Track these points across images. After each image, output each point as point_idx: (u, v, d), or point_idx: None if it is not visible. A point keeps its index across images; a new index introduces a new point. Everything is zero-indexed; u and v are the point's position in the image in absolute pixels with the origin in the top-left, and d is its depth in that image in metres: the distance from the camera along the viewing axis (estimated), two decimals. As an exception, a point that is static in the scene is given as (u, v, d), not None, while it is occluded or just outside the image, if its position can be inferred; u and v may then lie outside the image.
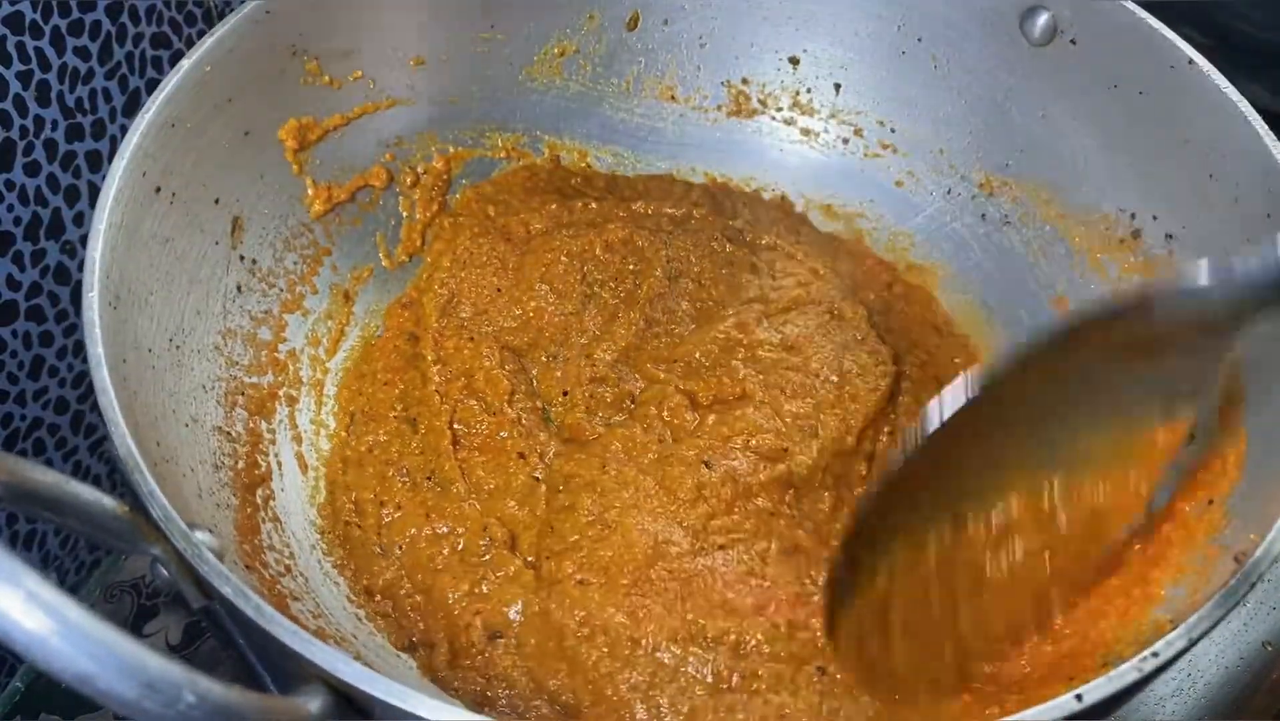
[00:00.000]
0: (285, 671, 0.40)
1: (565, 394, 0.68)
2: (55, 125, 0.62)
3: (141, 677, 0.29)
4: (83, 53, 0.63)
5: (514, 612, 0.59)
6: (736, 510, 0.63)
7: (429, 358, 0.69)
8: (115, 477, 0.74)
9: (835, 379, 0.68)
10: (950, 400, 0.46)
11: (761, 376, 0.68)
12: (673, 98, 0.81)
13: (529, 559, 0.61)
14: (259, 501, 0.59)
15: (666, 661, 0.57)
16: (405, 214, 0.74)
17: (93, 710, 0.66)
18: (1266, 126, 0.58)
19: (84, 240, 0.53)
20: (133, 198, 0.53)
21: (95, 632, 0.29)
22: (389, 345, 0.71)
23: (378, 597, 0.60)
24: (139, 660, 0.29)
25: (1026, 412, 0.48)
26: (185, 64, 0.57)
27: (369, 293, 0.73)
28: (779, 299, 0.73)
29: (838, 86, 0.80)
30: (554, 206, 0.76)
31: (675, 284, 0.74)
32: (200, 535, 0.42)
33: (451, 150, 0.76)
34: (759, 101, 0.81)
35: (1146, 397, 0.49)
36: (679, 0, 0.78)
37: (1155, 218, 0.66)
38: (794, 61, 0.80)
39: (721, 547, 0.61)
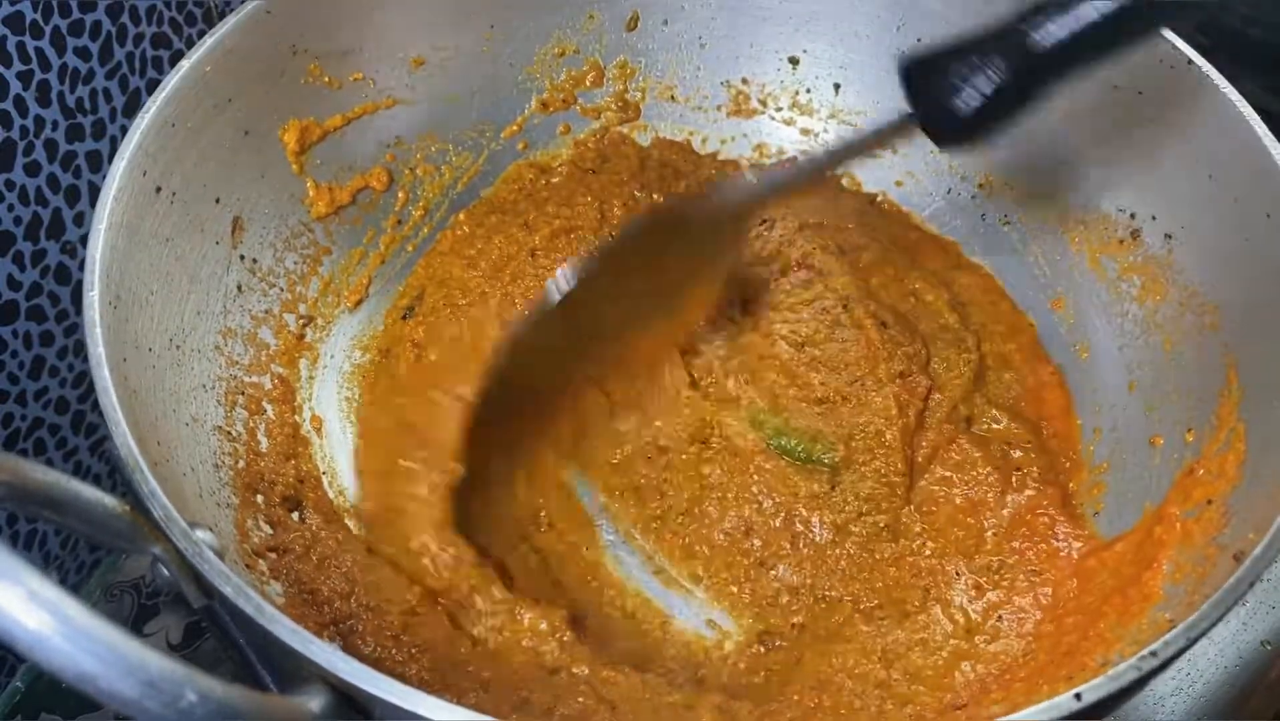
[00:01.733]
0: (286, 670, 0.40)
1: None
2: (55, 125, 0.62)
3: (143, 676, 0.29)
4: (83, 53, 0.63)
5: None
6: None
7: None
8: (115, 477, 0.74)
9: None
10: (555, 288, 0.58)
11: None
12: (673, 98, 0.81)
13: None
14: (259, 501, 0.59)
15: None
16: (403, 213, 0.74)
17: (93, 710, 0.66)
18: (1266, 127, 0.58)
19: (84, 240, 0.53)
20: (133, 197, 0.53)
21: (96, 631, 0.29)
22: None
23: None
24: (140, 659, 0.29)
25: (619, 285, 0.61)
26: (185, 64, 0.57)
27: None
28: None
29: (837, 87, 0.80)
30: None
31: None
32: (201, 534, 0.42)
33: (451, 152, 0.76)
34: (759, 101, 0.81)
35: (698, 263, 0.65)
36: (678, 0, 0.78)
37: (1155, 218, 0.66)
38: (794, 61, 0.80)
39: None
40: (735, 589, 0.63)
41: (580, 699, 0.55)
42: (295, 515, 0.60)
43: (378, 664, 0.54)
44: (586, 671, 0.56)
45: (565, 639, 0.57)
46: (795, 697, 0.57)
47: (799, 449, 0.66)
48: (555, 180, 0.78)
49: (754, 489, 0.65)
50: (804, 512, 0.65)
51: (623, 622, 0.62)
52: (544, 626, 0.57)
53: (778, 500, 0.65)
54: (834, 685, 0.58)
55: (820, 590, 0.63)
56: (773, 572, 0.63)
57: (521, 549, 0.64)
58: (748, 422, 0.67)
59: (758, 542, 0.64)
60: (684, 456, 0.67)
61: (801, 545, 0.64)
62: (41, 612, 0.28)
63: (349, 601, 0.57)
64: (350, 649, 0.56)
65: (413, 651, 0.55)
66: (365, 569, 0.59)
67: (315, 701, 0.37)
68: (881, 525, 0.64)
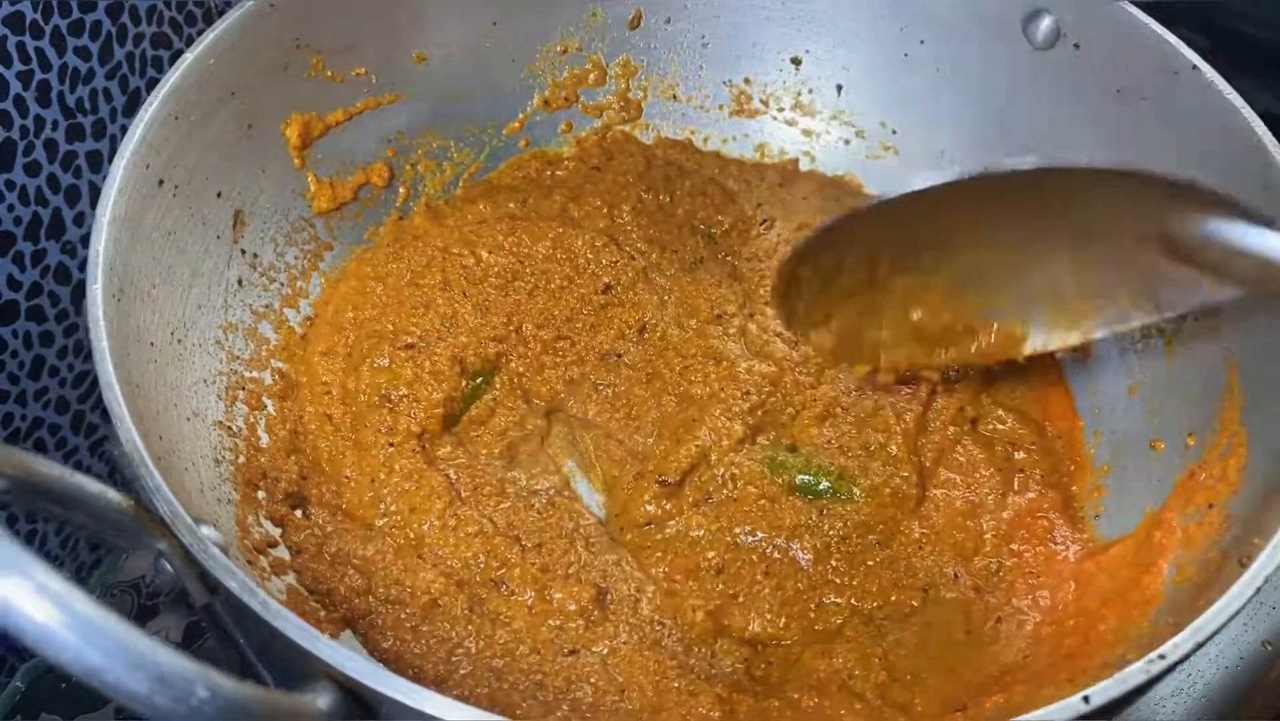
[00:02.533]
0: (288, 669, 0.40)
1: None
2: (56, 125, 0.62)
3: (153, 671, 0.29)
4: (83, 53, 0.62)
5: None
6: None
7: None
8: (116, 477, 0.73)
9: None
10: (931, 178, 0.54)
11: None
12: (675, 97, 0.81)
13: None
14: (261, 497, 0.59)
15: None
16: (405, 209, 0.74)
17: (93, 710, 0.66)
18: (1266, 129, 0.58)
19: (85, 240, 0.53)
20: (136, 190, 0.53)
21: (105, 625, 0.28)
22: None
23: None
24: (150, 654, 0.29)
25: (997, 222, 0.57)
26: (189, 57, 0.57)
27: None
28: None
29: (839, 87, 0.80)
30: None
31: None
32: (206, 530, 0.42)
33: (453, 148, 0.76)
34: (761, 101, 0.81)
35: (1106, 283, 0.58)
36: (681, -1, 0.78)
37: (1156, 219, 0.66)
38: (796, 62, 0.80)
39: None
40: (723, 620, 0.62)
41: (593, 679, 0.55)
42: (299, 512, 0.60)
43: (397, 658, 0.54)
44: (605, 650, 0.56)
45: (593, 618, 0.57)
46: (795, 696, 0.57)
47: (824, 487, 0.65)
48: (560, 172, 0.78)
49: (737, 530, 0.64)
50: (784, 542, 0.63)
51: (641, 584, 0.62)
52: (572, 607, 0.57)
53: (761, 535, 0.64)
54: (833, 685, 0.58)
55: (814, 599, 0.62)
56: (751, 610, 0.62)
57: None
58: (764, 465, 0.65)
59: (730, 583, 0.62)
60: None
61: (780, 574, 0.63)
62: (49, 606, 0.28)
63: (366, 598, 0.57)
64: (370, 644, 0.56)
65: (431, 643, 0.55)
66: (386, 559, 0.58)
67: (323, 699, 0.37)
68: (874, 541, 0.63)
